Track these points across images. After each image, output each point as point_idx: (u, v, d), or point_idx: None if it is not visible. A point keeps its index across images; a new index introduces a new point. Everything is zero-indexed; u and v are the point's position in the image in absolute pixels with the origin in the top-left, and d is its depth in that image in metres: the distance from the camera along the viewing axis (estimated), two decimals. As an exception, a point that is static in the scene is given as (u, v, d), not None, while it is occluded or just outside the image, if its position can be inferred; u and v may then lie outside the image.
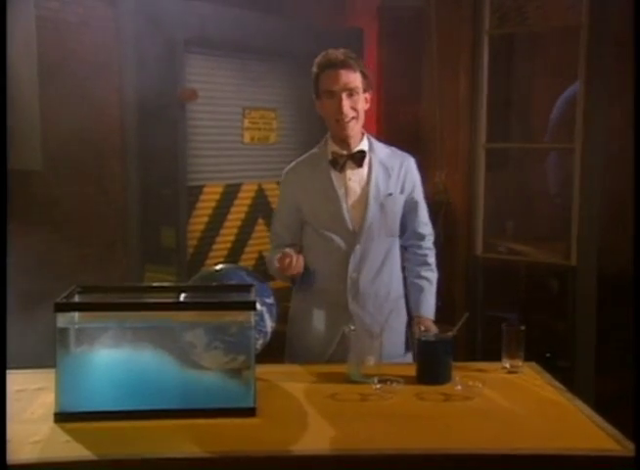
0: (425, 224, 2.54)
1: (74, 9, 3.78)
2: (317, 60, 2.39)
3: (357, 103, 2.35)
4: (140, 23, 3.96)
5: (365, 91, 2.38)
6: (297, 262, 2.30)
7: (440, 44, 3.85)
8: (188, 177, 4.16)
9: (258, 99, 4.56)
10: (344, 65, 2.32)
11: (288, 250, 2.33)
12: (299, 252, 2.39)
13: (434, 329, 2.37)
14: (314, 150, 2.52)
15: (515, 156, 4.46)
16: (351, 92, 2.33)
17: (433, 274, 2.54)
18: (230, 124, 4.44)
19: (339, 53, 2.36)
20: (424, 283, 2.51)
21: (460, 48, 3.86)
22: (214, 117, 4.34)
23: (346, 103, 2.33)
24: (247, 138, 4.52)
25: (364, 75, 2.37)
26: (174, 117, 4.04)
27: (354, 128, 2.38)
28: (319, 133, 4.62)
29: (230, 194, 4.46)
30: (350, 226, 2.39)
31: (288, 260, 2.27)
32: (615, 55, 3.57)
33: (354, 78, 2.33)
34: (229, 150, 4.44)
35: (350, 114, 2.34)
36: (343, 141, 2.41)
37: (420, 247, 2.53)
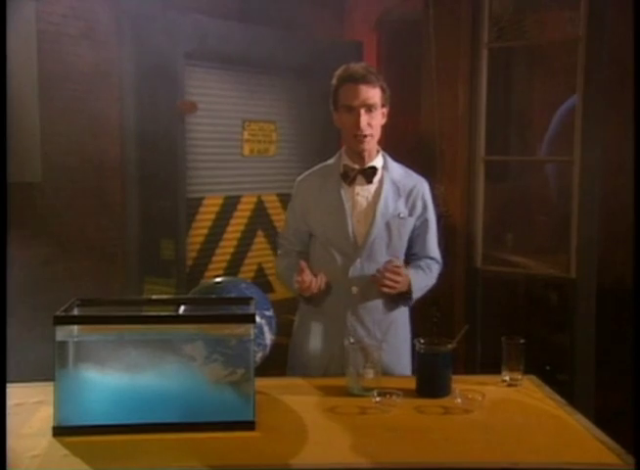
0: (433, 251, 2.51)
1: (75, 23, 3.80)
2: (337, 72, 2.39)
3: (375, 118, 2.36)
4: (140, 36, 3.98)
5: (383, 106, 2.38)
6: (317, 283, 2.33)
7: (439, 57, 3.87)
8: (187, 189, 4.16)
9: (258, 111, 4.57)
10: (365, 80, 2.32)
11: (304, 266, 2.33)
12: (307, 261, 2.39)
13: (397, 277, 2.33)
14: (329, 161, 2.52)
15: (514, 168, 4.47)
16: (370, 108, 2.33)
17: (430, 273, 2.49)
18: (229, 137, 4.45)
19: (359, 67, 2.36)
20: (420, 267, 2.48)
21: (459, 61, 3.87)
22: (214, 130, 4.35)
23: (365, 119, 2.33)
24: (246, 150, 4.53)
25: (383, 90, 2.36)
26: (174, 129, 4.05)
27: (370, 143, 2.39)
28: (319, 145, 4.66)
29: (229, 206, 4.47)
30: (353, 241, 2.39)
31: (308, 282, 2.30)
32: (613, 68, 3.58)
33: (374, 94, 2.33)
34: (229, 162, 4.46)
35: (368, 129, 2.34)
36: (358, 155, 2.42)
37: (425, 261, 2.52)
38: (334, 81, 2.39)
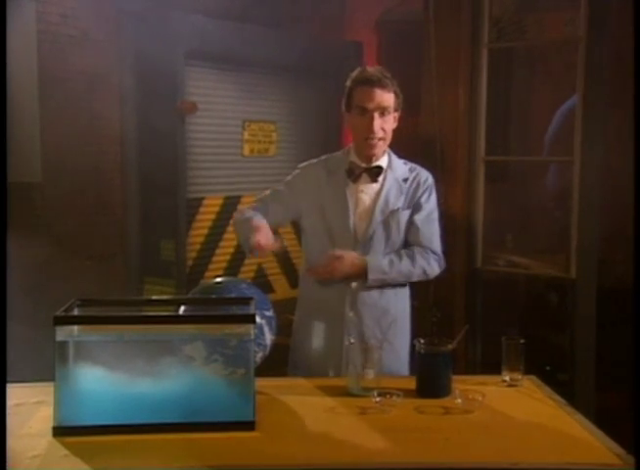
0: (427, 240, 2.44)
1: (75, 23, 3.80)
2: (353, 74, 2.40)
3: (387, 122, 2.37)
4: (140, 36, 3.98)
5: (395, 110, 2.39)
6: (273, 246, 2.29)
7: (439, 58, 3.87)
8: (188, 189, 4.16)
9: (258, 111, 4.57)
10: (380, 83, 2.33)
11: (263, 226, 2.29)
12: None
13: (345, 263, 2.33)
14: (335, 154, 2.52)
15: (514, 169, 4.47)
16: (383, 111, 2.34)
17: (409, 261, 2.40)
18: (230, 137, 4.44)
19: (375, 70, 2.37)
20: (398, 254, 2.41)
21: (459, 62, 3.87)
22: (214, 130, 4.35)
23: (378, 122, 2.34)
24: (246, 151, 4.53)
25: (397, 95, 2.38)
26: (174, 129, 4.05)
27: (381, 147, 2.40)
28: (319, 146, 4.65)
29: (230, 206, 4.46)
30: (353, 237, 2.40)
31: (264, 244, 2.25)
32: (613, 68, 3.58)
33: (388, 98, 2.34)
34: (229, 162, 4.45)
35: (380, 133, 2.36)
36: (366, 156, 2.42)
37: (413, 249, 2.44)
38: (348, 83, 2.40)
